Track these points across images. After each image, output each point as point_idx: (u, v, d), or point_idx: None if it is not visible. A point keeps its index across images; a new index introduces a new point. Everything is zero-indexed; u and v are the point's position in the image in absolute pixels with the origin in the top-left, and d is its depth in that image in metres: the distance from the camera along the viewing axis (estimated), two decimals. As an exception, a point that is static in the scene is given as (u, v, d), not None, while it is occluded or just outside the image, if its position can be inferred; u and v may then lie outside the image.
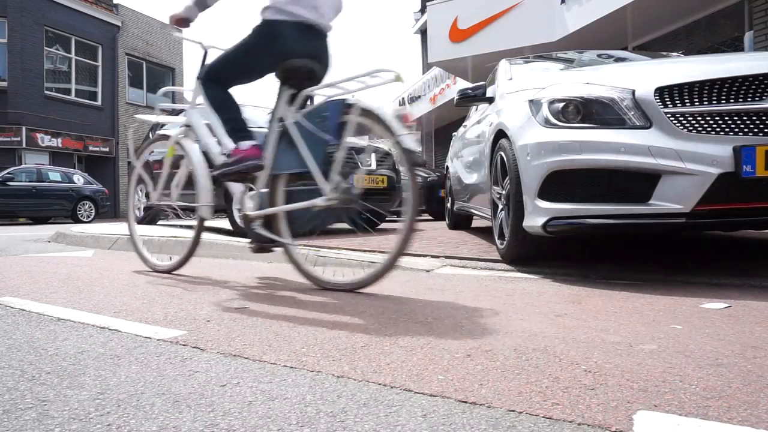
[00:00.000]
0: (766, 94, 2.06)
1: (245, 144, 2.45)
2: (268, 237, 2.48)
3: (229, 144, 2.52)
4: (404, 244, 2.11)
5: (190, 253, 2.94)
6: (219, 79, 2.53)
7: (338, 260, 3.30)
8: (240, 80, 2.56)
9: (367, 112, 2.16)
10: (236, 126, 2.53)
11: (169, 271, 3.02)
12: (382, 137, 2.18)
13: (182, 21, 2.66)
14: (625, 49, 8.61)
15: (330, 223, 2.52)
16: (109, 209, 16.17)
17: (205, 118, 2.77)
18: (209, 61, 2.60)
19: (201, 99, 2.64)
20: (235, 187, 2.69)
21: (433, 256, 3.28)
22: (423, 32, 19.11)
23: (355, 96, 2.24)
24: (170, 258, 3.13)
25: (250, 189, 2.59)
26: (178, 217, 3.20)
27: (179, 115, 2.85)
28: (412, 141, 2.12)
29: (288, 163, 2.35)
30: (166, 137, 3.03)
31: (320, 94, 2.41)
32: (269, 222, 2.50)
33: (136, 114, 20.64)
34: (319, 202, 2.24)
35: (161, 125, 2.94)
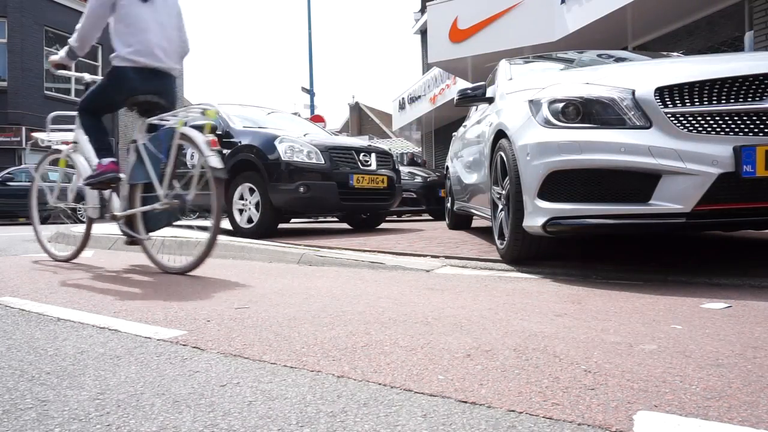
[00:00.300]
0: (766, 94, 2.06)
1: (106, 160, 3.15)
2: (129, 233, 3.17)
3: (96, 160, 3.20)
4: (214, 237, 2.78)
5: (83, 246, 3.66)
6: (90, 109, 3.19)
7: (337, 260, 3.30)
8: (104, 112, 3.28)
9: (186, 137, 2.86)
10: (101, 146, 3.21)
11: (67, 260, 3.68)
12: (198, 154, 2.80)
13: (60, 65, 3.27)
14: (625, 49, 8.61)
15: (172, 221, 3.14)
16: (109, 209, 16.14)
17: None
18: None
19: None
20: (106, 193, 3.32)
21: (433, 256, 3.28)
22: (423, 32, 19.09)
23: (187, 124, 2.91)
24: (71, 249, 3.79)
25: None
26: (69, 217, 3.91)
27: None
28: (216, 160, 2.76)
29: (139, 175, 3.04)
30: (59, 151, 3.65)
31: (162, 122, 3.08)
32: (130, 221, 3.16)
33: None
34: (157, 206, 2.95)
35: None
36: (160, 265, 3.07)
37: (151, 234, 3.15)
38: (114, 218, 3.22)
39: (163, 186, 2.93)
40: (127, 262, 3.69)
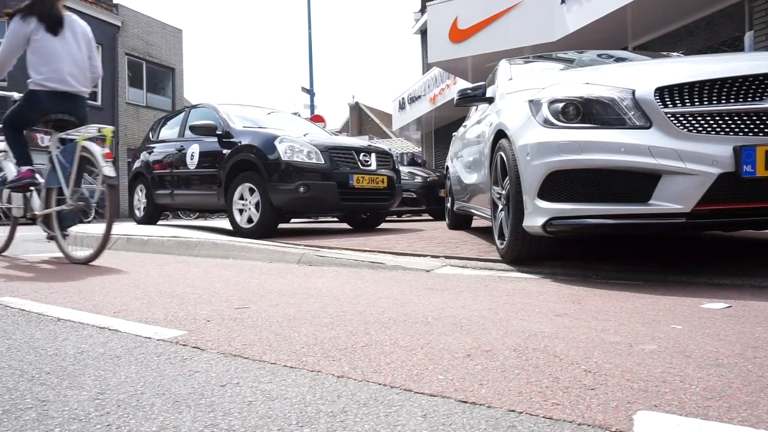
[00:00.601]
0: (766, 94, 2.06)
1: (24, 168, 3.66)
2: (46, 231, 3.77)
3: (17, 168, 3.73)
4: (107, 233, 3.36)
5: (9, 242, 4.25)
6: (11, 124, 3.69)
7: (337, 260, 3.30)
8: (23, 126, 3.77)
9: (86, 149, 3.42)
10: (20, 156, 3.71)
11: None
12: (95, 164, 3.37)
13: None
14: (625, 49, 8.60)
15: (82, 219, 3.73)
16: (109, 209, 16.14)
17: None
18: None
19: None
20: (28, 195, 3.91)
21: (433, 256, 3.27)
22: (423, 32, 19.07)
23: (85, 138, 3.48)
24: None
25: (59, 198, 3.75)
26: (6, 216, 4.27)
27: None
28: (110, 170, 3.30)
29: (53, 181, 3.60)
30: None
31: (71, 137, 3.62)
32: (47, 219, 3.73)
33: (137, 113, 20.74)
34: (65, 207, 3.53)
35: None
36: (68, 257, 3.66)
37: (67, 231, 3.73)
38: (34, 217, 3.79)
39: (69, 190, 3.50)
40: (126, 262, 3.69)
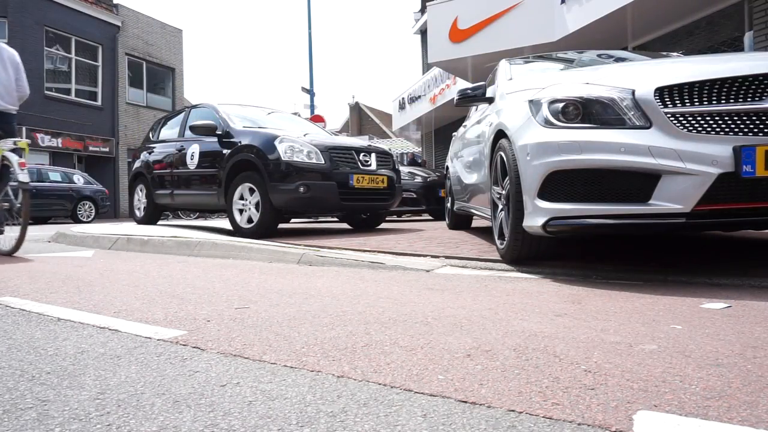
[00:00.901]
0: (766, 94, 2.06)
1: None
2: None
3: None
4: (23, 230, 3.95)
5: None
6: None
7: (337, 260, 3.30)
8: None
9: (5, 158, 4.04)
10: None
11: None
12: (13, 169, 3.94)
13: None
14: (625, 49, 8.61)
15: (7, 220, 4.24)
16: (109, 209, 16.17)
17: None
18: None
19: None
20: None
21: (433, 256, 3.28)
22: (423, 32, 19.07)
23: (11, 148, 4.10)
24: None
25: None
26: None
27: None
28: (25, 176, 3.88)
29: None
30: None
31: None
32: None
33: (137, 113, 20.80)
34: None
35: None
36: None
37: (2, 228, 4.26)
38: None
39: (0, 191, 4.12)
40: (124, 262, 3.69)
